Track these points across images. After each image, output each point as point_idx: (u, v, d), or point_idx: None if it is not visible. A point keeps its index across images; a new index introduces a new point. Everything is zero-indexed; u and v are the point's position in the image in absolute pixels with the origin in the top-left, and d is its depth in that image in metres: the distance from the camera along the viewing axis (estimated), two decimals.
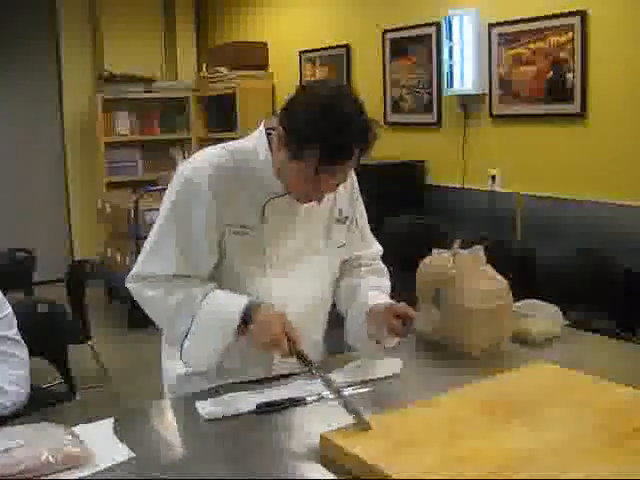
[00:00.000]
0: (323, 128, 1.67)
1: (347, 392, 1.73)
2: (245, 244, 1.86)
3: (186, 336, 1.81)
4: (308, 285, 1.96)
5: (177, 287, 1.82)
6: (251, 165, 1.85)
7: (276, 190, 1.86)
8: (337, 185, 1.83)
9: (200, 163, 1.86)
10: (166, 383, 2.03)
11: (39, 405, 2.40)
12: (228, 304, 1.79)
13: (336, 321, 2.13)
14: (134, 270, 1.87)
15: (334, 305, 2.13)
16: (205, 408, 1.69)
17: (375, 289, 2.05)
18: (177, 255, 1.83)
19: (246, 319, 1.76)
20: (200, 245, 1.83)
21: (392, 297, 2.05)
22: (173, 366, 1.97)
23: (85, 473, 1.41)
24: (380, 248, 2.20)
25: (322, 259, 1.99)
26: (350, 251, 2.10)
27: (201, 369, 1.88)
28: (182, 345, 1.83)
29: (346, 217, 2.04)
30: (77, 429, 1.53)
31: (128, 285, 1.88)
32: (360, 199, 2.13)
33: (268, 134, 1.86)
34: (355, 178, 2.10)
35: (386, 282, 2.13)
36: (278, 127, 1.76)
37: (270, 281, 1.90)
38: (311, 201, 1.85)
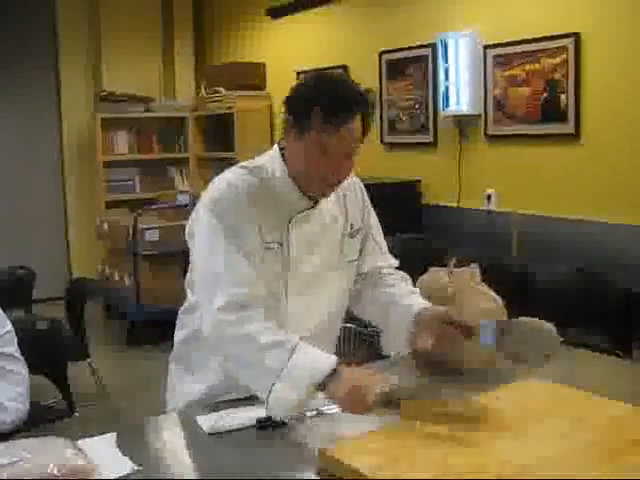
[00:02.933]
0: (320, 89, 1.78)
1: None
2: (275, 260, 1.88)
3: (277, 377, 1.69)
4: (323, 301, 1.99)
5: (271, 328, 1.75)
6: (272, 183, 1.89)
7: (297, 207, 1.90)
8: (349, 166, 1.84)
9: (230, 182, 1.87)
10: (173, 405, 2.01)
11: (38, 422, 2.42)
12: (320, 357, 1.71)
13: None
14: (218, 302, 1.76)
15: None
16: (206, 423, 1.71)
17: (413, 294, 2.07)
18: (251, 268, 1.80)
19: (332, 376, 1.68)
20: (258, 260, 1.83)
21: None
22: (185, 389, 1.98)
23: None
24: (396, 262, 2.21)
25: (335, 275, 2.02)
26: (370, 263, 2.12)
27: (283, 415, 1.72)
28: (271, 389, 1.69)
29: (357, 230, 2.07)
30: (81, 443, 1.56)
31: (218, 317, 1.75)
32: (373, 212, 2.17)
33: (282, 154, 1.91)
34: (365, 192, 2.14)
35: (415, 289, 2.14)
36: (285, 118, 1.83)
37: (288, 298, 1.92)
38: (330, 189, 1.88)
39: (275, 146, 1.95)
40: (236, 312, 1.74)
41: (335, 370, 1.66)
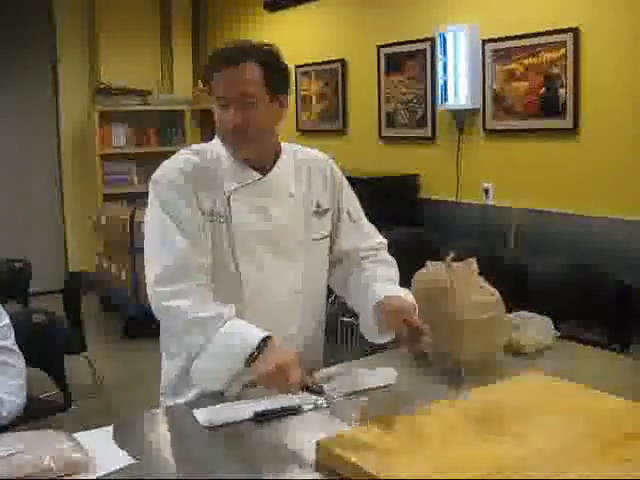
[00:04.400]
0: (216, 51, 1.93)
1: (341, 402, 1.76)
2: (219, 232, 1.93)
3: (200, 352, 1.79)
4: (283, 277, 2.00)
5: (205, 303, 1.82)
6: (215, 161, 1.97)
7: (242, 179, 1.95)
8: (243, 116, 1.87)
9: (169, 164, 1.98)
10: (164, 383, 2.05)
11: (35, 415, 2.42)
12: (248, 332, 1.76)
13: (328, 333, 2.15)
14: (153, 276, 1.85)
15: None
16: (203, 416, 1.71)
17: (383, 279, 2.07)
18: (185, 240, 1.86)
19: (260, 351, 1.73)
20: (196, 232, 1.89)
21: None
22: (166, 374, 2.03)
23: (86, 479, 1.43)
24: (384, 240, 2.22)
25: (299, 253, 2.03)
26: (349, 243, 2.13)
27: (207, 388, 1.86)
28: (193, 360, 1.81)
29: (326, 209, 2.09)
30: (77, 436, 1.55)
31: (155, 289, 1.84)
32: (350, 193, 2.18)
33: None
34: (339, 171, 2.17)
35: (393, 271, 2.15)
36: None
37: (243, 270, 1.94)
38: (234, 139, 1.92)
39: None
40: (169, 285, 1.83)
41: (263, 346, 1.70)
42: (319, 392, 1.70)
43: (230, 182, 1.95)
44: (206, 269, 1.89)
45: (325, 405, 1.73)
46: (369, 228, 2.22)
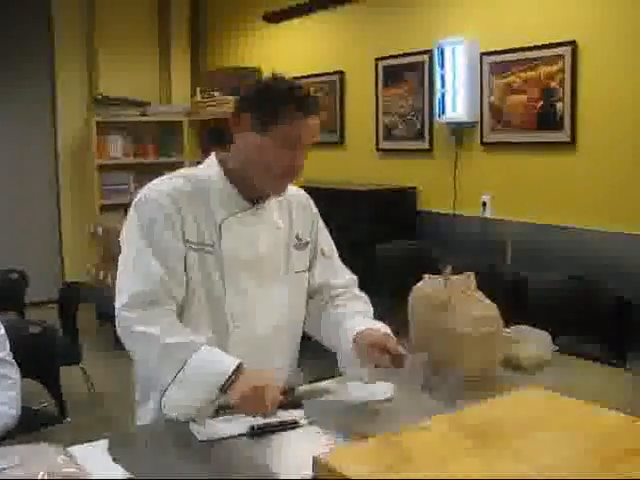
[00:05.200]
0: (288, 86, 1.88)
1: (338, 415, 1.74)
2: (204, 262, 1.90)
3: (171, 383, 1.75)
4: (266, 308, 1.99)
5: (174, 329, 1.80)
6: (207, 187, 1.94)
7: (233, 209, 1.94)
8: (303, 161, 1.89)
9: (159, 186, 1.92)
10: (144, 414, 2.00)
11: (30, 426, 2.39)
12: (221, 360, 1.75)
13: (320, 347, 2.14)
14: (123, 299, 1.82)
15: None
16: (199, 430, 1.70)
17: (358, 314, 2.07)
18: (161, 268, 1.83)
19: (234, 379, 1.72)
20: (175, 261, 1.86)
21: (383, 321, 2.07)
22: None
23: None
24: (353, 277, 2.22)
25: (281, 285, 2.03)
26: (321, 279, 2.13)
27: (177, 417, 1.79)
28: (165, 390, 1.78)
29: (306, 243, 2.10)
30: (72, 450, 1.54)
31: (122, 314, 1.81)
32: (324, 229, 2.19)
33: (219, 161, 1.98)
34: (315, 208, 2.18)
35: (366, 307, 2.15)
36: (239, 115, 1.91)
37: (229, 299, 1.93)
38: (286, 183, 1.93)
39: (212, 156, 2.01)
40: (138, 310, 1.79)
41: (235, 374, 1.69)
42: (298, 405, 1.70)
43: (221, 210, 1.93)
44: (178, 300, 1.86)
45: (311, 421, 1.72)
46: (341, 266, 2.22)
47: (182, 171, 2.02)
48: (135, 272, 1.84)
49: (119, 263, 1.90)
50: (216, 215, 1.92)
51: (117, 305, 1.82)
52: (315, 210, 2.19)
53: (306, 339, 2.20)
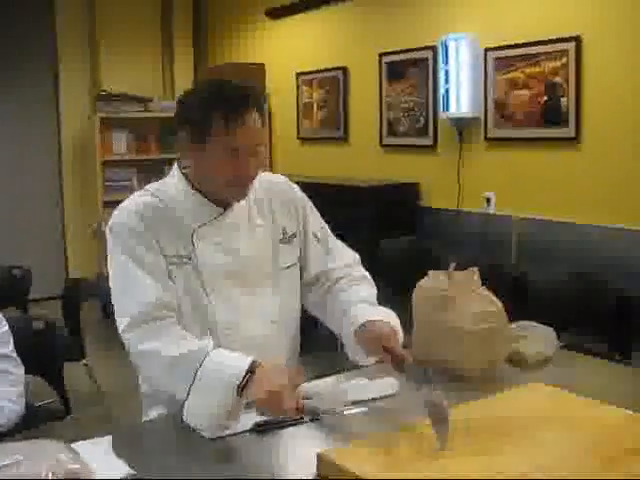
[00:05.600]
0: (212, 95, 1.83)
1: (342, 412, 1.74)
2: (186, 274, 1.88)
3: (188, 394, 1.70)
4: (257, 309, 1.96)
5: (181, 339, 1.77)
6: (174, 200, 1.91)
7: (203, 218, 1.91)
8: (257, 163, 1.87)
9: (127, 208, 1.91)
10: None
11: (33, 423, 2.40)
12: (234, 360, 1.72)
13: (328, 340, 2.14)
14: (123, 324, 1.81)
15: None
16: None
17: (361, 301, 2.03)
18: (154, 284, 1.82)
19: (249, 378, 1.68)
20: (162, 273, 1.85)
21: None
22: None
23: None
24: (355, 255, 2.18)
25: (271, 282, 2.00)
26: (317, 267, 2.10)
27: (203, 429, 1.71)
28: (183, 404, 1.72)
29: (292, 235, 2.05)
30: (76, 446, 1.54)
31: (127, 336, 1.81)
32: (315, 213, 2.14)
33: (184, 174, 1.95)
34: (300, 192, 2.14)
35: (370, 290, 2.11)
36: (179, 134, 1.87)
37: (214, 307, 1.90)
38: (243, 190, 1.90)
39: (174, 164, 1.99)
40: (140, 328, 1.78)
41: (251, 373, 1.66)
42: (315, 415, 1.67)
43: (192, 221, 1.91)
44: (175, 308, 1.85)
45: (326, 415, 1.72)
46: (338, 245, 2.17)
47: (149, 187, 1.98)
48: (127, 294, 1.83)
49: (111, 289, 1.88)
50: (188, 226, 1.90)
51: (121, 331, 1.82)
52: (300, 194, 2.13)
53: (306, 336, 2.19)
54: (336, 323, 2.07)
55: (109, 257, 1.90)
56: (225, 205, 1.94)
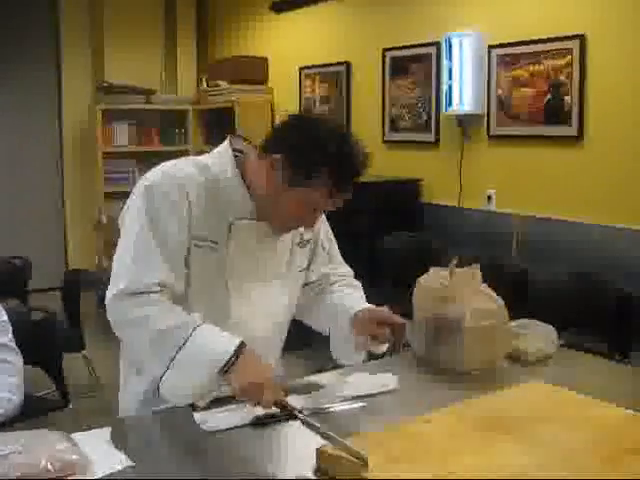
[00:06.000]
0: (337, 152, 1.73)
1: (341, 407, 1.74)
2: (208, 259, 1.83)
3: (168, 366, 1.67)
4: (267, 308, 1.95)
5: (169, 311, 1.72)
6: (221, 184, 1.83)
7: (244, 212, 1.85)
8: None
9: (169, 173, 1.82)
10: (126, 400, 1.96)
11: (32, 413, 2.40)
12: (222, 339, 1.69)
13: (324, 337, 2.14)
14: (118, 287, 1.72)
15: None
16: (202, 420, 1.70)
17: (357, 298, 2.06)
18: (162, 263, 1.74)
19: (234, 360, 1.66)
20: (178, 254, 1.78)
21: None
22: (131, 389, 1.95)
23: None
24: (351, 271, 2.19)
25: (282, 283, 1.98)
26: (319, 271, 2.11)
27: (178, 403, 1.73)
28: (162, 375, 1.69)
29: (307, 240, 2.05)
30: (75, 436, 1.54)
31: (114, 304, 1.72)
32: (326, 225, 2.14)
33: (235, 155, 1.87)
34: None
35: (362, 294, 2.13)
36: (270, 155, 1.77)
37: (229, 300, 1.87)
38: (290, 230, 1.90)
39: (226, 144, 1.90)
40: (133, 298, 1.70)
41: (238, 354, 1.64)
42: (290, 412, 1.66)
43: (234, 210, 1.84)
44: (175, 293, 1.77)
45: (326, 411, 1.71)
46: (339, 258, 2.18)
47: (194, 159, 1.90)
48: (134, 262, 1.74)
49: (118, 247, 1.80)
50: (228, 214, 1.84)
51: (111, 291, 1.73)
52: None
53: (306, 335, 2.19)
54: (326, 316, 2.07)
55: (128, 215, 1.81)
56: None
